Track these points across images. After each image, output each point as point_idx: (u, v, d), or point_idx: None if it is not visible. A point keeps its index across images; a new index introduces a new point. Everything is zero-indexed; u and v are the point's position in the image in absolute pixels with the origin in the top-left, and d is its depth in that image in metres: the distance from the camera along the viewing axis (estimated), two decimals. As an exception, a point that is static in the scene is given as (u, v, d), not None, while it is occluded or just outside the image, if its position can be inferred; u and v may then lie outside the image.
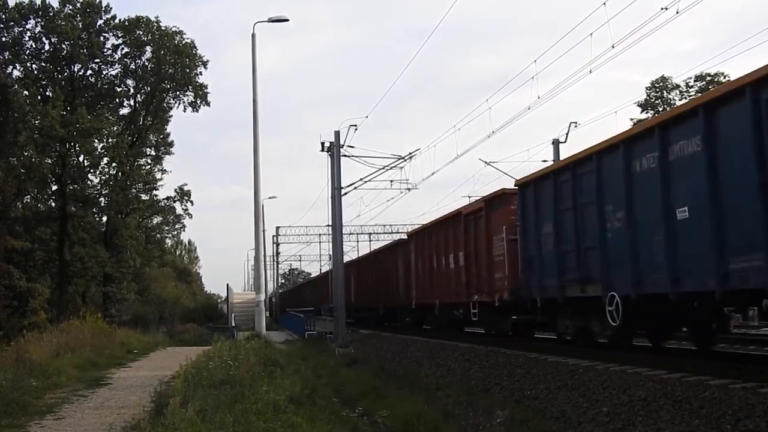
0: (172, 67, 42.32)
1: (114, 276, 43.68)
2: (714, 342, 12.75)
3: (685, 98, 41.16)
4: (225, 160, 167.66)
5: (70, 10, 41.14)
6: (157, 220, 54.14)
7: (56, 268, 41.38)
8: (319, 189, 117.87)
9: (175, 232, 62.59)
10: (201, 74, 43.10)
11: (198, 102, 43.32)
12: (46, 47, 41.53)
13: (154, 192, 46.04)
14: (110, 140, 41.18)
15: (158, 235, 55.94)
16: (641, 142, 11.10)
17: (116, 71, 43.37)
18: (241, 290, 68.93)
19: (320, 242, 67.60)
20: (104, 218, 43.41)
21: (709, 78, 39.92)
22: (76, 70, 42.32)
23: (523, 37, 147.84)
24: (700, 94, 39.50)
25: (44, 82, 41.83)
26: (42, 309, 38.24)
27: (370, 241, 64.61)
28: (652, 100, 42.01)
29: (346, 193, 27.72)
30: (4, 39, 40.78)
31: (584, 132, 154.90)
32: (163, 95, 43.75)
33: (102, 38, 42.10)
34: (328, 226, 35.43)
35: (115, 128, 42.30)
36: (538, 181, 14.79)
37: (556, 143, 30.50)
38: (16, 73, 41.37)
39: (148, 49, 42.55)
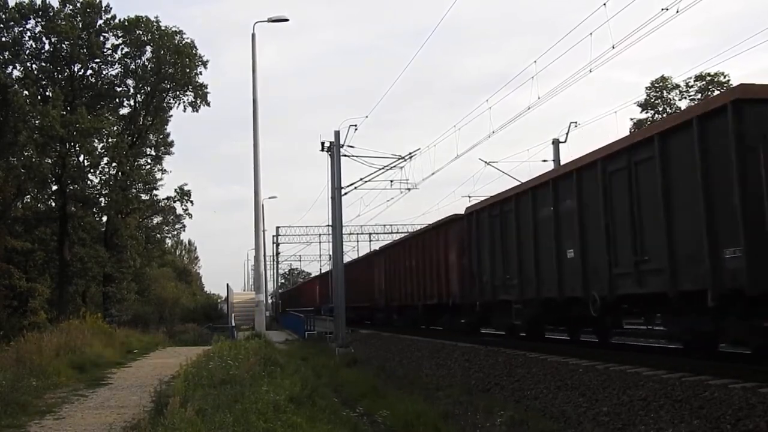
0: (172, 67, 42.27)
1: (114, 276, 43.64)
2: None
3: (685, 98, 41.21)
4: (225, 160, 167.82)
5: (70, 10, 41.08)
6: (157, 220, 54.17)
7: (56, 268, 41.35)
8: (319, 189, 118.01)
9: (175, 232, 62.65)
10: (201, 74, 43.14)
11: (198, 102, 43.30)
12: (46, 47, 41.49)
13: (154, 192, 46.05)
14: (110, 140, 41.12)
15: (158, 235, 55.92)
16: None
17: (116, 71, 43.36)
18: (241, 290, 69.02)
19: (320, 242, 67.76)
20: (104, 218, 43.34)
21: (709, 78, 39.92)
22: (76, 70, 42.28)
23: (523, 37, 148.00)
24: (700, 95, 39.78)
25: (44, 82, 41.73)
26: (42, 309, 38.25)
27: (370, 241, 64.76)
28: (652, 100, 42.00)
29: (346, 193, 27.74)
30: (4, 39, 40.71)
31: (584, 132, 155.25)
32: (163, 95, 43.70)
33: (102, 38, 42.04)
34: (328, 226, 35.45)
35: (115, 128, 42.20)
36: None
37: (556, 143, 30.54)
38: (16, 73, 41.31)
39: (148, 49, 42.52)
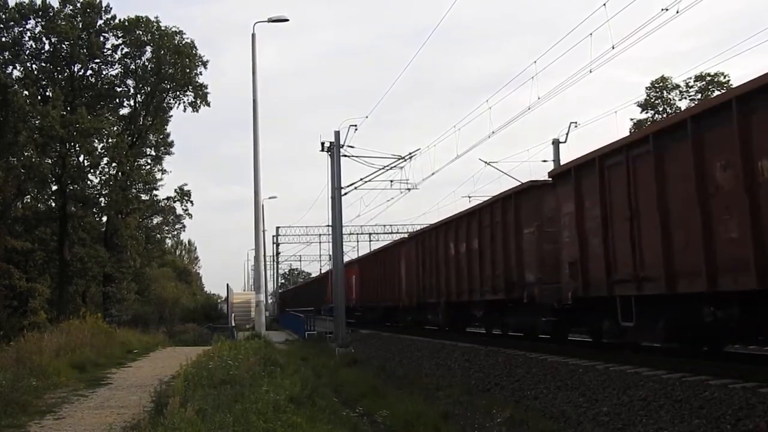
0: (172, 67, 42.28)
1: (114, 276, 43.63)
2: None
3: (685, 98, 41.23)
4: (225, 160, 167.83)
5: (70, 10, 41.10)
6: (157, 220, 54.18)
7: (56, 268, 41.34)
8: (319, 189, 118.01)
9: (175, 232, 62.71)
10: (201, 74, 43.14)
11: (198, 102, 43.29)
12: (46, 47, 41.52)
13: (154, 192, 46.06)
14: (110, 140, 41.13)
15: (158, 235, 55.92)
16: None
17: (116, 71, 43.39)
18: (241, 290, 69.03)
19: (320, 242, 67.82)
20: (104, 218, 43.36)
21: (709, 78, 39.92)
22: (76, 70, 42.29)
23: (523, 37, 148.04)
24: (700, 95, 39.78)
25: (44, 82, 41.76)
26: (42, 309, 38.23)
27: (370, 241, 64.79)
28: (652, 100, 42.00)
29: (346, 193, 27.76)
30: (4, 39, 40.73)
31: (584, 132, 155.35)
32: (163, 95, 43.71)
33: (102, 38, 42.06)
34: (328, 226, 35.44)
35: (115, 128, 42.23)
36: None
37: (556, 143, 30.55)
38: (16, 73, 41.35)
39: (148, 49, 42.53)
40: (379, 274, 30.41)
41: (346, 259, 34.95)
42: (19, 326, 32.29)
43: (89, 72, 43.00)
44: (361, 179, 28.75)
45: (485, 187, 52.28)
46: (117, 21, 42.11)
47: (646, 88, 42.77)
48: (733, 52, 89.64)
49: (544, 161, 31.29)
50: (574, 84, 30.10)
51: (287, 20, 29.46)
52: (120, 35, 42.38)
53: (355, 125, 26.58)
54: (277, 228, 69.64)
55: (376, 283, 30.48)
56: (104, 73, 43.42)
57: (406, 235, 34.42)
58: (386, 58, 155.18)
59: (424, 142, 72.57)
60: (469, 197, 33.40)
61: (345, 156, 26.66)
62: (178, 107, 44.05)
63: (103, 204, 42.24)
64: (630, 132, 35.23)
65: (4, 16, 40.57)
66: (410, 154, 27.66)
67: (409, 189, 30.08)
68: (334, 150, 26.52)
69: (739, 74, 61.05)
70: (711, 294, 9.62)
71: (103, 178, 42.29)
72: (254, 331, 29.66)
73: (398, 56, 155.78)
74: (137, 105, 44.21)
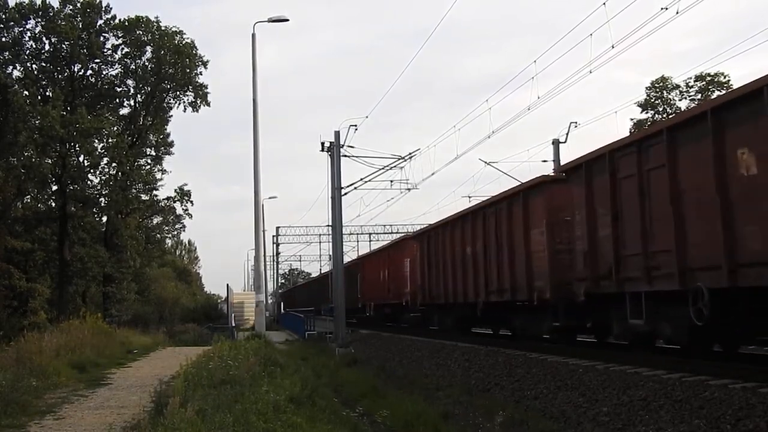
0: (172, 67, 42.28)
1: (114, 276, 43.63)
2: None
3: (685, 98, 41.23)
4: (225, 160, 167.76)
5: (70, 10, 41.11)
6: (157, 220, 54.13)
7: (56, 268, 41.34)
8: (319, 189, 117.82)
9: (175, 232, 62.63)
10: (201, 74, 43.14)
11: (198, 102, 43.29)
12: (46, 47, 41.53)
13: (154, 192, 46.05)
14: (110, 140, 41.14)
15: (158, 235, 55.89)
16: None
17: (116, 71, 43.39)
18: (241, 290, 69.05)
19: (320, 242, 67.74)
20: (104, 218, 43.36)
21: (709, 78, 39.91)
22: (76, 70, 42.29)
23: (523, 38, 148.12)
24: (700, 95, 39.77)
25: (44, 82, 41.77)
26: (42, 309, 38.24)
27: (370, 241, 64.71)
28: (652, 100, 41.98)
29: (346, 193, 27.79)
30: (4, 39, 40.73)
31: (584, 132, 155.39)
32: (163, 95, 43.71)
33: (102, 38, 42.08)
34: (328, 226, 35.45)
35: (115, 128, 42.24)
36: None
37: (556, 143, 30.56)
38: (16, 73, 41.34)
39: (148, 49, 42.53)
40: (467, 250, 18.99)
41: (346, 259, 34.91)
42: (19, 326, 32.28)
43: (89, 72, 43.04)
44: (361, 179, 28.80)
45: (485, 187, 52.25)
46: (117, 21, 42.15)
47: (646, 88, 42.77)
48: (733, 52, 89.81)
49: (544, 161, 31.33)
50: (574, 84, 30.05)
51: (287, 20, 29.49)
52: (120, 35, 42.39)
53: (355, 125, 26.64)
54: (277, 228, 69.61)
55: (457, 264, 19.64)
56: (104, 73, 43.50)
57: (404, 234, 33.95)
58: (386, 59, 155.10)
59: (424, 143, 72.43)
60: (469, 197, 33.34)
61: (345, 156, 26.70)
62: (178, 107, 44.11)
63: (103, 204, 42.25)
64: (630, 131, 35.17)
65: (4, 16, 40.56)
66: (410, 154, 27.72)
67: (409, 189, 30.13)
68: (334, 150, 26.54)
69: (739, 74, 61.13)
70: None
71: (103, 178, 42.35)
72: (254, 331, 29.66)
73: (398, 56, 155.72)
74: (137, 105, 44.23)
